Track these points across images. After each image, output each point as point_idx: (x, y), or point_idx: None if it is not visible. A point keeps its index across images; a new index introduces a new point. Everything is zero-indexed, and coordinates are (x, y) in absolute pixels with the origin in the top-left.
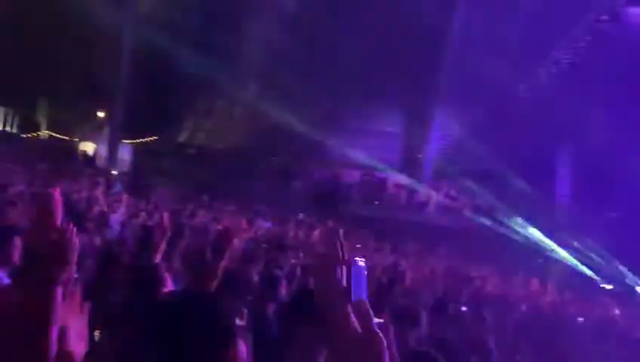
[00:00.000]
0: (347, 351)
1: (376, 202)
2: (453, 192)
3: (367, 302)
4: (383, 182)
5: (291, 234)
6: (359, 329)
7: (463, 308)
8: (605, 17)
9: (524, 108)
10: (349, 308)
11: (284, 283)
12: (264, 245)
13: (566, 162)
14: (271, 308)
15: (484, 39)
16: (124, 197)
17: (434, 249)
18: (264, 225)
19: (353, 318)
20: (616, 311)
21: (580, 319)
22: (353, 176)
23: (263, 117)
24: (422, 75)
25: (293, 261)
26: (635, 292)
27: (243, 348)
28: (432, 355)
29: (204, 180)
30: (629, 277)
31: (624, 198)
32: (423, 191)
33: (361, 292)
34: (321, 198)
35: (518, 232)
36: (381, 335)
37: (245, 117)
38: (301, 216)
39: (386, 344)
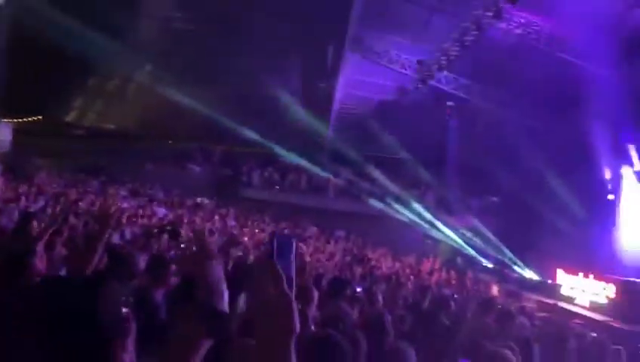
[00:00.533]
0: (262, 310)
1: (277, 186)
2: (352, 177)
3: (277, 264)
4: (283, 166)
5: (187, 219)
6: (273, 291)
7: (359, 289)
8: (490, 13)
9: (419, 98)
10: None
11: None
12: (155, 231)
13: (455, 149)
14: (159, 294)
15: (381, 26)
16: (0, 180)
17: (333, 232)
18: (159, 211)
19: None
20: (495, 288)
21: (461, 295)
22: (254, 159)
23: (158, 97)
24: (323, 58)
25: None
26: (513, 270)
27: (127, 333)
28: (333, 338)
29: (93, 163)
30: (508, 256)
31: (504, 185)
32: (323, 175)
33: (283, 261)
34: (221, 182)
35: (411, 216)
36: (291, 295)
37: (140, 97)
38: (200, 200)
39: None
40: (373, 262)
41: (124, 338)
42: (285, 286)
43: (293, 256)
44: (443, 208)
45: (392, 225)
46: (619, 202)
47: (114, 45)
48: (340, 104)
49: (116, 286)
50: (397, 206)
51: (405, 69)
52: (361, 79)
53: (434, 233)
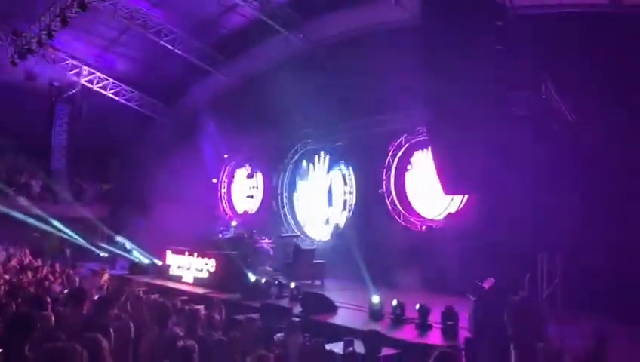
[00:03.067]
0: None
1: None
2: None
3: None
4: None
5: None
6: None
7: None
8: None
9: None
10: None
11: None
12: None
13: (63, 135)
14: None
15: None
16: None
17: None
18: None
19: None
20: (106, 276)
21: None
22: None
23: None
24: None
25: None
26: (125, 256)
27: None
28: None
29: None
30: (121, 243)
31: (117, 171)
32: None
33: None
34: None
35: (18, 208)
36: None
37: None
38: None
39: None
40: None
41: None
42: None
43: None
44: (49, 198)
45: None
46: (221, 186)
47: None
48: None
49: None
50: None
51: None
52: None
53: (39, 225)
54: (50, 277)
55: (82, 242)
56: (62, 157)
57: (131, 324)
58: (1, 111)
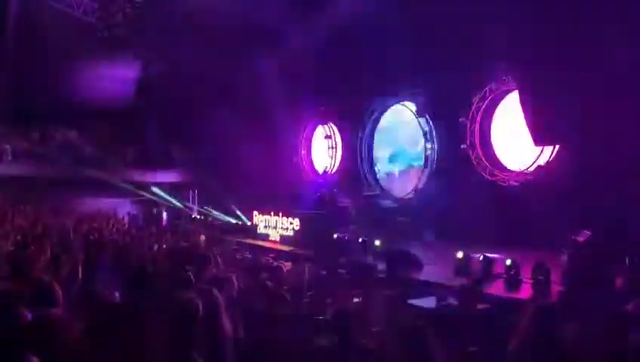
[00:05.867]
0: None
1: None
2: (35, 139)
3: None
4: None
5: None
6: None
7: None
8: None
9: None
10: None
11: None
12: None
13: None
14: None
15: None
16: None
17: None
18: None
19: None
20: (203, 236)
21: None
22: None
23: None
24: None
25: None
26: (216, 217)
27: None
28: None
29: None
30: (211, 205)
31: (201, 138)
32: None
33: None
34: None
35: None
36: None
37: None
38: None
39: None
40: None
41: None
42: None
43: None
44: (144, 164)
45: (87, 186)
46: (301, 146)
47: None
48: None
49: None
50: (92, 166)
51: (87, 16)
52: None
53: (136, 191)
54: (149, 238)
55: (176, 204)
56: (153, 125)
57: (234, 280)
58: (97, 84)
